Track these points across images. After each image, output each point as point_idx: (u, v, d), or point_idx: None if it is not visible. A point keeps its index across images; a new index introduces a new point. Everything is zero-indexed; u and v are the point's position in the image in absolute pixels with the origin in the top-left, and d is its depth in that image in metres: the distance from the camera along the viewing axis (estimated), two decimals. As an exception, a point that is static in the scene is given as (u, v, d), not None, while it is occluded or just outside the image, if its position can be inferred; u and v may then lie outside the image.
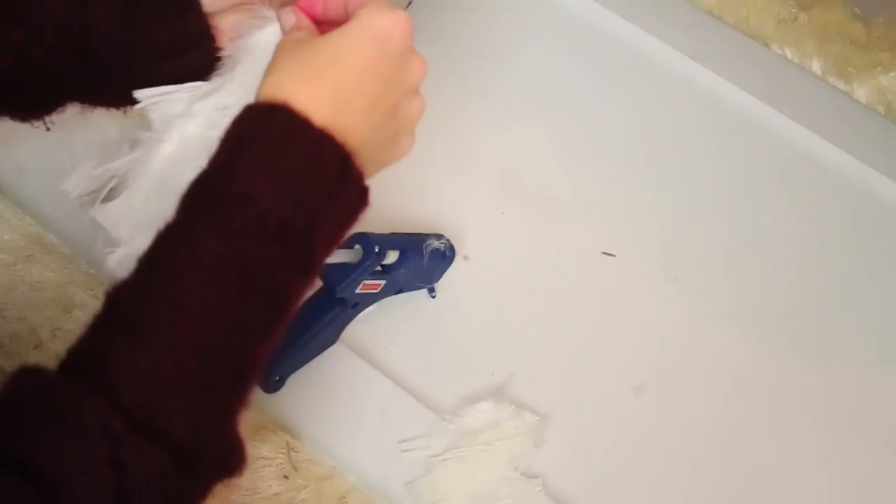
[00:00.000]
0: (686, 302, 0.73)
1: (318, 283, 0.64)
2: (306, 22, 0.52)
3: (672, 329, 0.72)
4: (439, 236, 0.69)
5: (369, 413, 0.65)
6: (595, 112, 0.80)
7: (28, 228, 0.70)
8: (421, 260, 0.67)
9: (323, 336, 0.65)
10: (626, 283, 0.73)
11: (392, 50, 0.48)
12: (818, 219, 0.78)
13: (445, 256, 0.69)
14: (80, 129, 0.70)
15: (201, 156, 0.53)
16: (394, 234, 0.67)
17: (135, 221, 0.57)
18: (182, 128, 0.56)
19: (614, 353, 0.71)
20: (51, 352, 0.67)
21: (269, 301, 0.46)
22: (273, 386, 0.64)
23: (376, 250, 0.63)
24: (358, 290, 0.63)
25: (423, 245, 0.67)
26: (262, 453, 0.64)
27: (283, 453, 0.64)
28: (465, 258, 0.73)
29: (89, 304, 0.68)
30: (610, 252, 0.74)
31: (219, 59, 0.58)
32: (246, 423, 0.64)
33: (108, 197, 0.60)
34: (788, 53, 0.85)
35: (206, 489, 0.45)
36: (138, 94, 0.57)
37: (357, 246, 0.63)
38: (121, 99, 0.58)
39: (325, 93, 0.47)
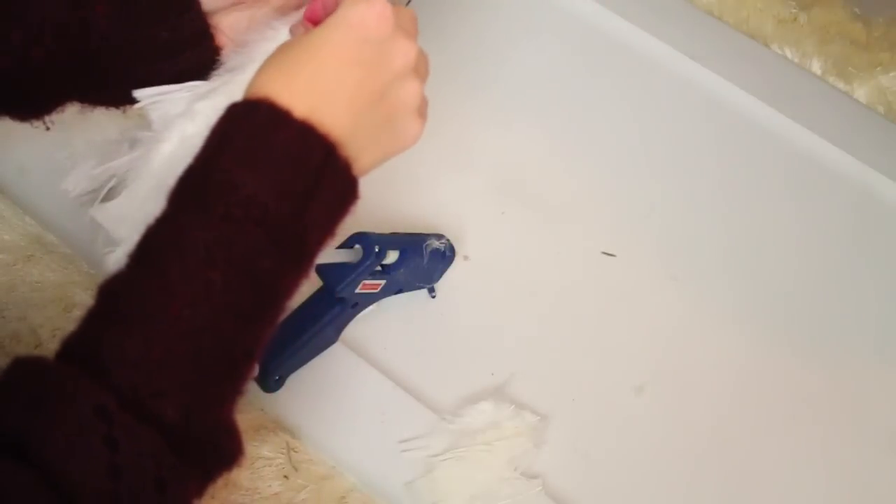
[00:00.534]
0: (686, 302, 0.73)
1: (319, 283, 0.64)
2: None
3: (672, 329, 0.72)
4: (439, 236, 0.69)
5: (369, 413, 0.65)
6: (595, 112, 0.80)
7: (28, 228, 0.70)
8: (421, 260, 0.67)
9: (323, 336, 0.65)
10: (626, 283, 0.73)
11: (370, 36, 0.48)
12: (818, 219, 0.78)
13: (445, 256, 0.69)
14: (80, 129, 0.70)
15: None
16: (394, 234, 0.67)
17: (134, 221, 0.56)
18: (182, 127, 0.56)
19: (614, 353, 0.71)
20: (51, 352, 0.66)
21: (256, 287, 0.46)
22: (273, 386, 0.64)
23: (376, 250, 0.63)
24: (358, 290, 0.63)
25: (423, 245, 0.67)
26: (262, 453, 0.64)
27: (283, 453, 0.64)
28: (465, 258, 0.73)
29: (89, 304, 0.68)
30: (610, 252, 0.74)
31: (218, 57, 0.58)
32: (246, 423, 0.65)
33: (108, 196, 0.60)
34: (788, 53, 0.85)
35: (203, 479, 0.46)
36: (138, 93, 0.57)
37: (357, 246, 0.63)
38: (120, 98, 0.58)
39: (303, 84, 0.47)
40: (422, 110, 0.53)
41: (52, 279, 0.69)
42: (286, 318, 0.64)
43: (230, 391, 0.47)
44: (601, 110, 0.80)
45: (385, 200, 0.74)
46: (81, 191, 0.62)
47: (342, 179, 0.49)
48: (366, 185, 0.74)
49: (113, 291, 0.46)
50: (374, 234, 0.64)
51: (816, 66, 0.84)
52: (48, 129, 0.61)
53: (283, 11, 0.59)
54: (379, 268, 0.65)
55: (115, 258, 0.57)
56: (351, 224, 0.74)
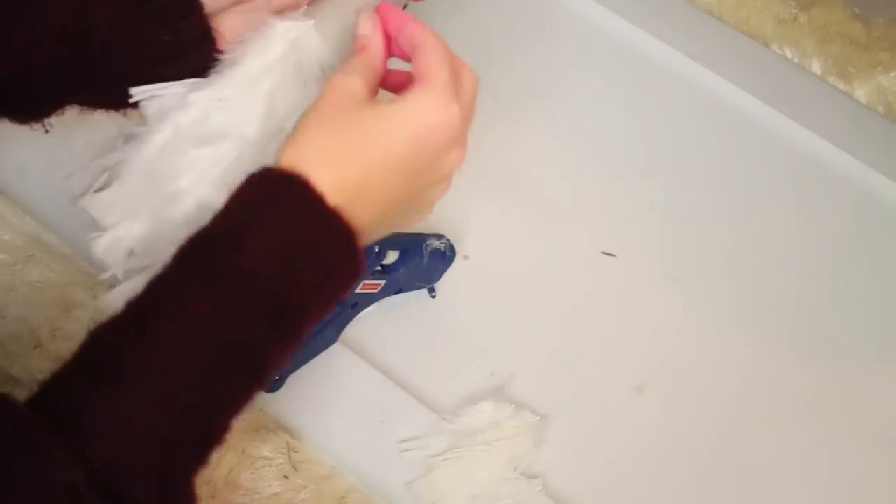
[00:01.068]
0: (686, 302, 0.73)
1: None
2: (371, 60, 0.52)
3: (672, 329, 0.72)
4: (439, 236, 0.69)
5: (369, 413, 0.65)
6: (595, 112, 0.80)
7: (28, 228, 0.70)
8: (421, 260, 0.67)
9: (323, 336, 0.65)
10: (626, 283, 0.73)
11: (431, 144, 0.48)
12: (818, 219, 0.78)
13: (445, 256, 0.69)
14: (80, 128, 0.70)
15: (194, 145, 0.54)
16: (394, 234, 0.67)
17: (123, 209, 0.57)
18: (175, 118, 0.56)
19: (614, 353, 0.71)
20: (51, 352, 0.67)
21: (249, 374, 0.46)
22: (273, 386, 0.64)
23: (376, 250, 0.63)
24: (358, 290, 0.63)
25: (423, 245, 0.67)
26: (262, 453, 0.64)
27: (283, 453, 0.64)
28: (465, 258, 0.73)
29: (89, 304, 0.68)
30: (610, 252, 0.74)
31: (218, 60, 0.57)
32: (246, 423, 0.65)
33: (100, 188, 0.59)
34: (788, 53, 0.85)
35: None
36: (134, 90, 0.56)
37: None
38: (121, 101, 0.58)
39: (348, 180, 0.46)
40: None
41: (52, 279, 0.69)
42: None
43: (198, 466, 0.46)
44: (601, 110, 0.80)
45: (385, 200, 0.74)
46: (80, 186, 0.61)
47: (353, 268, 0.48)
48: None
49: (105, 344, 0.45)
50: None
51: (816, 66, 0.84)
52: (47, 131, 0.61)
53: (282, 12, 0.59)
54: (379, 268, 0.65)
55: (103, 244, 0.57)
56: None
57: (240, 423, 0.64)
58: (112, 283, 0.60)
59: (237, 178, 0.49)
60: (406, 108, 0.48)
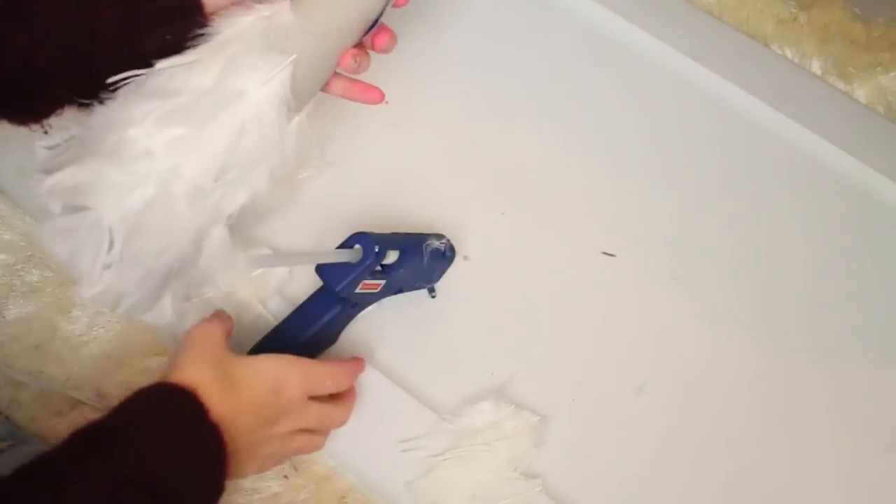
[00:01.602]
0: (686, 302, 0.73)
1: (318, 283, 0.64)
2: (227, 317, 0.61)
3: (672, 329, 0.72)
4: (440, 236, 0.69)
5: (369, 413, 0.65)
6: (595, 112, 0.80)
7: (28, 228, 0.70)
8: (421, 260, 0.67)
9: (323, 336, 0.65)
10: (626, 283, 0.73)
11: (285, 395, 0.58)
12: (818, 219, 0.78)
13: (445, 256, 0.69)
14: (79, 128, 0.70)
15: (148, 99, 0.55)
16: (394, 234, 0.67)
17: (71, 156, 0.57)
18: (141, 82, 0.56)
19: (614, 353, 0.71)
20: (51, 352, 0.67)
21: None
22: None
23: (376, 250, 0.63)
24: (358, 290, 0.63)
25: (423, 245, 0.67)
26: (262, 453, 0.64)
27: (283, 453, 0.64)
28: (465, 258, 0.73)
29: (89, 304, 0.68)
30: (610, 252, 0.74)
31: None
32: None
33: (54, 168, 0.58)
34: (788, 53, 0.85)
35: None
36: (114, 77, 0.56)
37: (357, 245, 0.63)
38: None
39: (225, 402, 0.55)
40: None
41: (52, 279, 0.69)
42: (287, 318, 0.64)
43: None
44: (601, 110, 0.80)
45: (385, 200, 0.74)
46: (42, 164, 0.59)
47: (218, 483, 0.54)
48: (366, 185, 0.74)
49: None
50: (374, 233, 0.64)
51: (816, 66, 0.84)
52: (46, 132, 0.60)
53: None
54: (379, 268, 0.65)
55: (47, 184, 0.56)
56: (351, 223, 0.74)
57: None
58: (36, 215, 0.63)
59: (182, 126, 0.54)
60: (271, 364, 0.58)
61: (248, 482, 0.63)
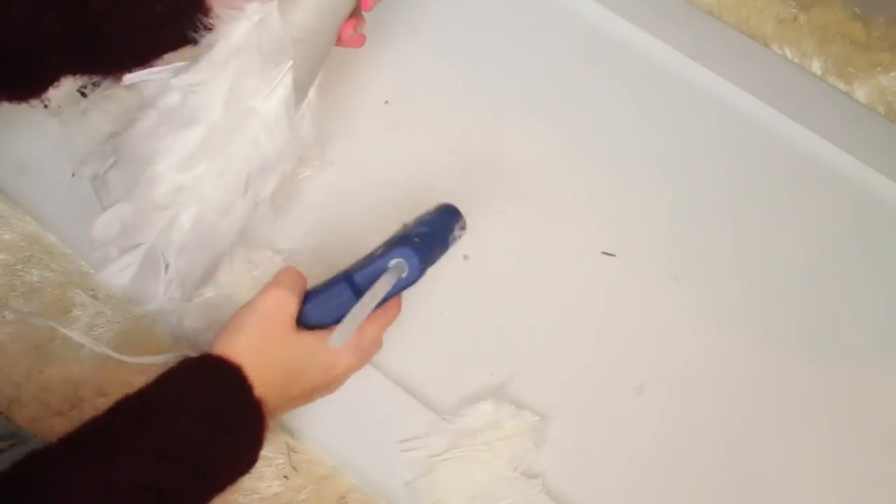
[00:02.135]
0: (686, 302, 0.73)
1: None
2: (300, 275, 0.60)
3: (672, 329, 0.72)
4: (461, 223, 0.65)
5: (369, 413, 0.65)
6: (595, 112, 0.80)
7: (28, 228, 0.70)
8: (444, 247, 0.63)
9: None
10: (627, 283, 0.73)
11: (332, 378, 0.59)
12: (818, 219, 0.78)
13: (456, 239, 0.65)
14: (79, 128, 0.70)
15: (171, 129, 0.59)
16: (426, 229, 0.62)
17: (117, 191, 0.62)
18: (158, 104, 0.60)
19: (614, 353, 0.71)
20: (50, 352, 0.67)
21: None
22: None
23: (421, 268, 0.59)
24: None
25: (449, 238, 0.64)
26: (262, 453, 0.63)
27: (283, 453, 0.64)
28: (465, 258, 0.73)
29: (88, 305, 0.68)
30: (610, 252, 0.74)
31: (209, 23, 0.60)
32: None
33: (106, 171, 0.64)
34: (788, 53, 0.85)
35: None
36: (126, 77, 0.61)
37: (396, 261, 0.59)
38: (116, 68, 0.61)
39: (271, 385, 0.55)
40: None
41: (51, 279, 0.69)
42: (351, 277, 0.60)
43: None
44: (601, 110, 0.80)
45: (385, 200, 0.74)
46: (91, 170, 0.65)
47: (255, 456, 0.55)
48: (366, 185, 0.74)
49: (62, 465, 0.48)
50: (418, 244, 0.60)
51: (816, 66, 0.84)
52: (46, 106, 0.66)
53: None
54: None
55: (98, 225, 0.61)
56: (351, 223, 0.74)
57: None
58: (96, 265, 0.65)
59: (205, 159, 0.58)
60: (322, 348, 0.57)
61: (248, 482, 0.63)
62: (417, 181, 0.75)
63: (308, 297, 0.59)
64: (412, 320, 0.70)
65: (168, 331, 0.67)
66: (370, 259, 0.59)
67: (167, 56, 0.63)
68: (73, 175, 0.69)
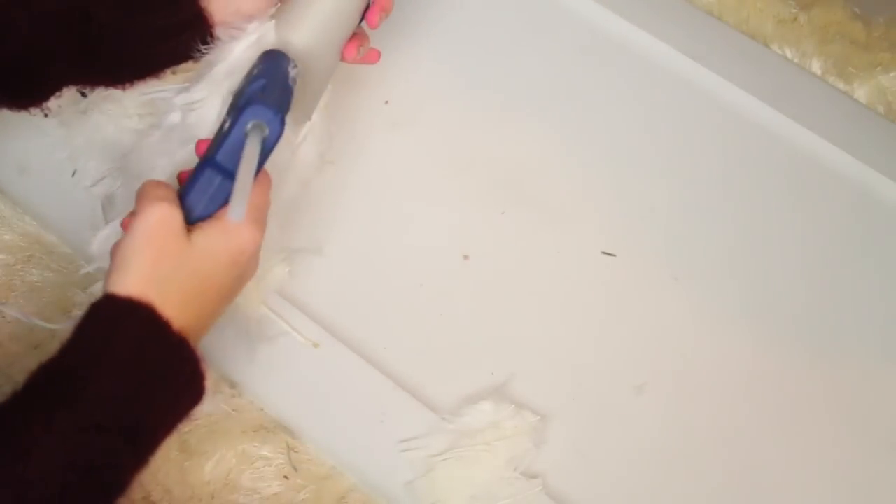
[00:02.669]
0: (686, 302, 0.73)
1: None
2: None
3: (672, 329, 0.72)
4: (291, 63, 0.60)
5: (369, 413, 0.65)
6: (595, 112, 0.80)
7: (28, 228, 0.70)
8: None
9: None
10: (626, 283, 0.73)
11: (242, 262, 0.54)
12: (818, 219, 0.78)
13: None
14: (79, 128, 0.70)
15: (171, 147, 0.61)
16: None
17: (121, 206, 0.63)
18: (162, 121, 0.62)
19: (614, 353, 0.71)
20: (50, 352, 0.67)
21: (105, 493, 0.48)
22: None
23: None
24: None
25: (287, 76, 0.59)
26: (262, 453, 0.64)
27: (283, 453, 0.64)
28: (465, 258, 0.73)
29: (88, 304, 0.68)
30: (610, 252, 0.74)
31: (210, 37, 0.61)
32: (246, 423, 0.65)
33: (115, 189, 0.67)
34: (788, 53, 0.85)
35: None
36: (145, 91, 0.64)
37: (253, 122, 0.54)
38: (119, 79, 0.62)
39: (186, 304, 0.51)
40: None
41: (51, 279, 0.69)
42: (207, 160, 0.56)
43: None
44: (601, 110, 0.80)
45: (385, 200, 0.74)
46: (103, 188, 0.67)
47: (197, 389, 0.53)
48: (366, 185, 0.74)
49: None
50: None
51: (816, 66, 0.84)
52: (46, 115, 0.66)
53: None
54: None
55: (97, 240, 0.61)
56: (351, 223, 0.74)
57: (240, 424, 0.65)
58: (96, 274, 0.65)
59: None
60: (221, 239, 0.53)
61: (248, 482, 0.63)
62: (417, 181, 0.75)
63: (181, 199, 0.55)
64: (412, 320, 0.70)
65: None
66: (222, 135, 0.55)
67: (179, 70, 0.64)
68: (73, 175, 0.69)
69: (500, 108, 0.79)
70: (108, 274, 0.51)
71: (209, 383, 0.53)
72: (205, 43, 0.61)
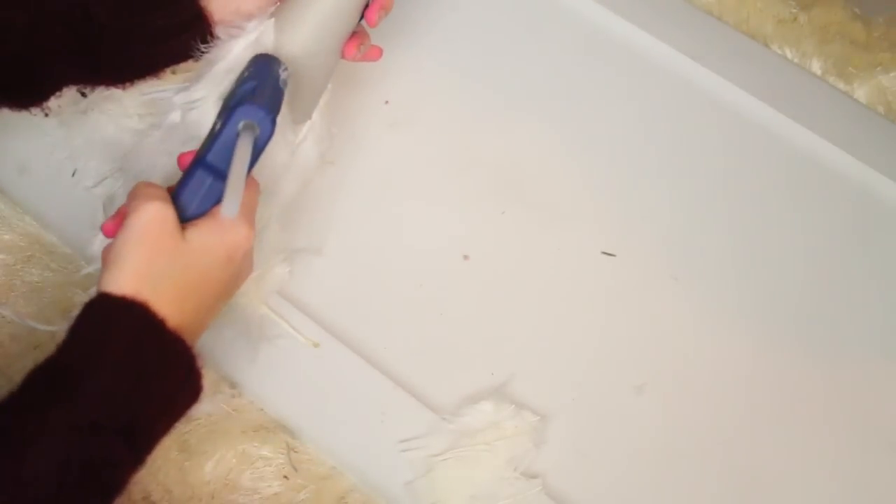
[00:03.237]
0: (686, 302, 0.73)
1: None
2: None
3: (672, 329, 0.72)
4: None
5: (369, 413, 0.65)
6: (595, 112, 0.80)
7: (28, 228, 0.70)
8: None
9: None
10: (626, 283, 0.73)
11: (236, 259, 0.54)
12: (818, 219, 0.78)
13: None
14: (79, 128, 0.70)
15: (171, 147, 0.61)
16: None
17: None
18: (163, 120, 0.62)
19: (614, 353, 0.71)
20: (50, 352, 0.67)
21: (102, 492, 0.48)
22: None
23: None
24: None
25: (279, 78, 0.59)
26: (262, 453, 0.64)
27: (283, 453, 0.64)
28: (466, 258, 0.73)
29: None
30: (610, 252, 0.74)
31: (210, 37, 0.61)
32: (246, 423, 0.65)
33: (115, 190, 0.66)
34: (788, 53, 0.85)
35: None
36: (145, 91, 0.64)
37: (244, 122, 0.55)
38: (119, 79, 0.62)
39: (182, 300, 0.51)
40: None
41: (51, 279, 0.69)
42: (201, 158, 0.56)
43: None
44: (601, 110, 0.80)
45: (385, 200, 0.74)
46: (104, 189, 0.67)
47: (194, 387, 0.53)
48: (366, 185, 0.74)
49: None
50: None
51: (816, 66, 0.84)
52: (47, 115, 0.65)
53: None
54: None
55: (97, 242, 0.60)
56: (351, 223, 0.74)
57: (240, 424, 0.65)
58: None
59: None
60: (216, 235, 0.53)
61: (248, 482, 0.63)
62: (417, 181, 0.75)
63: (173, 200, 0.54)
64: (412, 320, 0.70)
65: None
66: (214, 136, 0.55)
67: (179, 70, 0.64)
68: (73, 175, 0.69)
69: (501, 108, 0.79)
70: (101, 273, 0.51)
71: (208, 383, 0.53)
72: (205, 42, 0.61)
